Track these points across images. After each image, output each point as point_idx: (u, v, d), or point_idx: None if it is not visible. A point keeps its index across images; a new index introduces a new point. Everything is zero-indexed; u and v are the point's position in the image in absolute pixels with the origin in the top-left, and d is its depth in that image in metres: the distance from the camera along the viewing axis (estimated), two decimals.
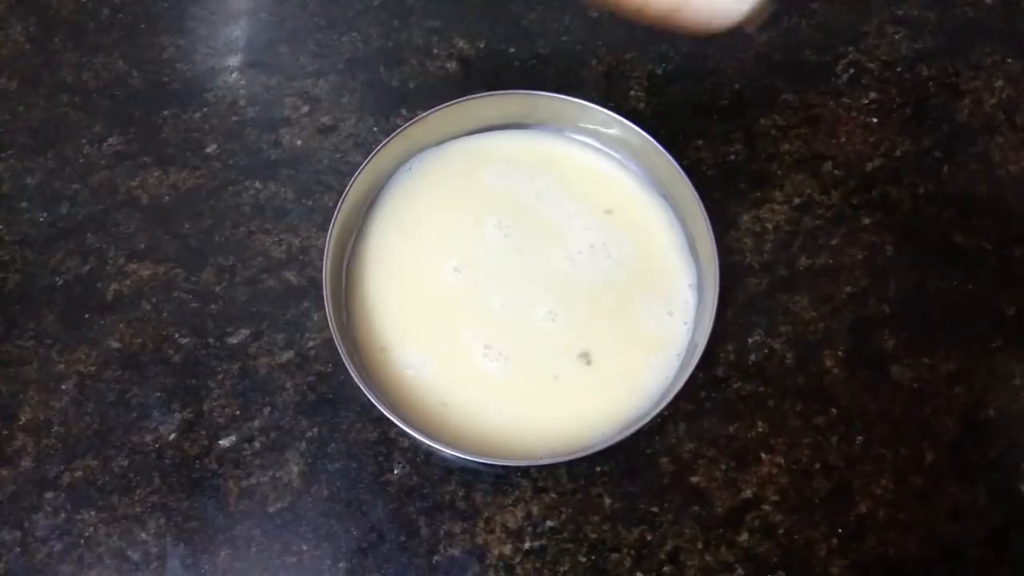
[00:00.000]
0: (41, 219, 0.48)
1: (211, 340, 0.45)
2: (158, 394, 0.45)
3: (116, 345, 0.45)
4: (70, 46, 0.51)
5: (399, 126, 0.45)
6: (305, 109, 0.50)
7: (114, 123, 0.50)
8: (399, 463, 0.44)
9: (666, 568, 0.42)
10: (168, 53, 0.51)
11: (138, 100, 0.50)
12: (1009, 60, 0.51)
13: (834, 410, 0.44)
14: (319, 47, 0.52)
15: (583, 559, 0.42)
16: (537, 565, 0.42)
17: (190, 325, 0.46)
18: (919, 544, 0.43)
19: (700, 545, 0.42)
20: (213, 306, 0.46)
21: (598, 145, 0.47)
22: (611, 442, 0.40)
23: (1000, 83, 0.51)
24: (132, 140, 0.49)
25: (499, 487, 0.43)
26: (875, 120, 0.50)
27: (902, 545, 0.43)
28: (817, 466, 0.44)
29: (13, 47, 0.51)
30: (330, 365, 0.45)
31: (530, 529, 0.43)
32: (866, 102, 0.50)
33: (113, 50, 0.51)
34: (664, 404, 0.41)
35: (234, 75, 0.51)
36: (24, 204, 0.48)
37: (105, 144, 0.49)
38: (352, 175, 0.44)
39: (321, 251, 0.44)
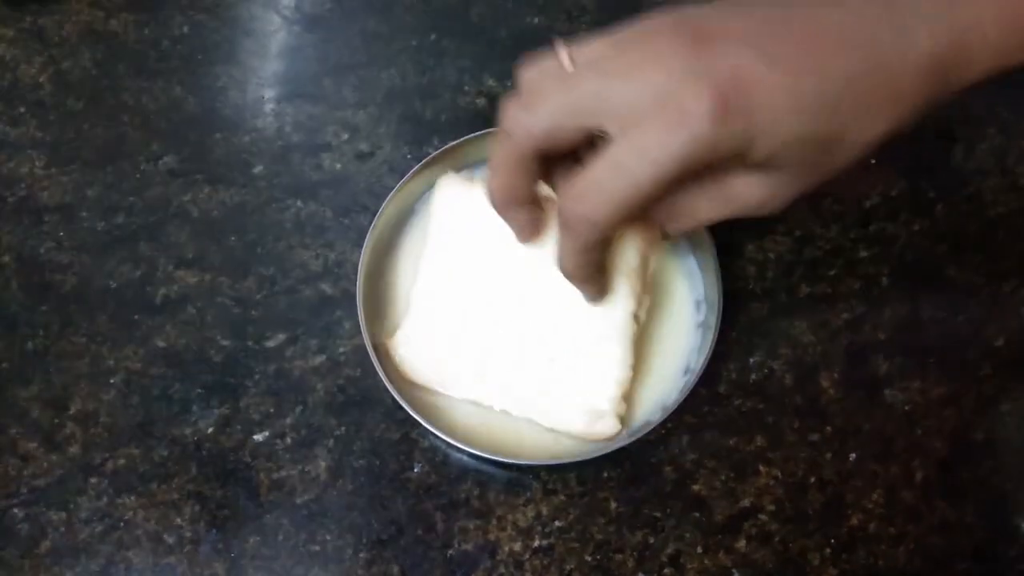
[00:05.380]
0: (99, 228, 0.52)
1: (250, 343, 0.49)
2: (199, 391, 0.48)
3: (162, 345, 0.49)
4: (132, 72, 0.56)
5: (430, 154, 0.49)
6: (345, 136, 0.54)
7: (169, 143, 0.54)
8: (419, 462, 0.47)
9: (667, 570, 0.45)
10: (222, 82, 0.56)
11: (192, 123, 0.55)
12: (1000, 109, 0.54)
13: (829, 428, 0.47)
14: (360, 81, 0.56)
15: (588, 558, 0.45)
16: (545, 562, 0.45)
17: (231, 329, 0.49)
18: (908, 557, 0.45)
19: (700, 550, 0.45)
20: (253, 312, 0.50)
21: None
22: (615, 447, 0.43)
23: (992, 131, 0.54)
24: (185, 159, 0.53)
25: (511, 488, 0.46)
26: (873, 161, 0.53)
27: (892, 557, 0.45)
28: (812, 480, 0.46)
29: (81, 72, 0.56)
30: (359, 370, 0.48)
31: (539, 528, 0.45)
32: None
33: (172, 77, 0.56)
34: (665, 416, 0.44)
35: (281, 104, 0.55)
36: (84, 213, 0.52)
37: (160, 162, 0.53)
38: (386, 197, 0.48)
39: (355, 265, 0.47)
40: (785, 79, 0.33)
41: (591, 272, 0.40)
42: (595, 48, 0.35)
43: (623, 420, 0.44)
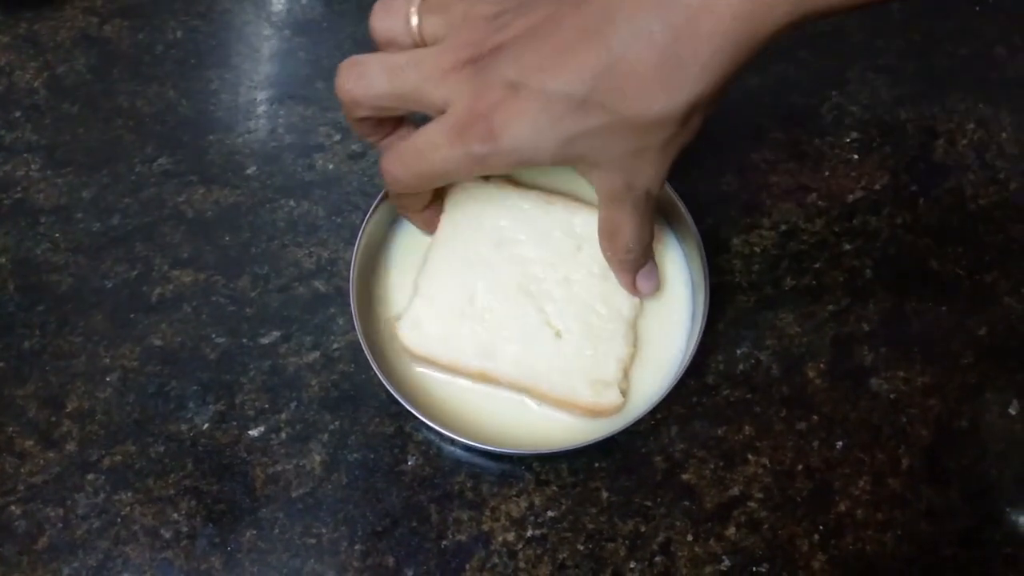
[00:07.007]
0: (94, 229, 0.52)
1: (245, 340, 0.50)
2: (194, 387, 0.49)
3: (158, 343, 0.50)
4: (126, 76, 0.57)
5: None
6: (337, 137, 0.55)
7: (164, 145, 0.55)
8: (413, 455, 0.47)
9: (658, 558, 0.45)
10: (215, 85, 0.57)
11: (186, 126, 0.55)
12: (980, 105, 0.56)
13: (816, 417, 0.48)
14: None
15: (581, 547, 0.45)
16: (538, 551, 0.45)
17: (226, 326, 0.50)
18: (895, 542, 0.46)
19: (690, 537, 0.46)
20: (248, 310, 0.50)
21: None
22: (602, 436, 0.44)
23: (972, 125, 0.55)
24: (180, 161, 0.54)
25: (504, 479, 0.47)
26: (856, 157, 0.54)
27: (879, 543, 0.46)
28: (799, 467, 0.47)
29: (76, 77, 0.56)
30: (352, 365, 0.49)
31: (532, 518, 0.46)
32: (849, 140, 0.55)
33: (165, 81, 0.57)
34: (652, 406, 0.45)
35: (274, 106, 0.56)
36: (79, 215, 0.53)
37: (155, 164, 0.54)
38: (377, 195, 0.48)
39: (348, 263, 0.48)
40: (544, 85, 0.36)
41: (404, 204, 0.47)
42: (432, 24, 0.39)
43: (624, 395, 0.46)
